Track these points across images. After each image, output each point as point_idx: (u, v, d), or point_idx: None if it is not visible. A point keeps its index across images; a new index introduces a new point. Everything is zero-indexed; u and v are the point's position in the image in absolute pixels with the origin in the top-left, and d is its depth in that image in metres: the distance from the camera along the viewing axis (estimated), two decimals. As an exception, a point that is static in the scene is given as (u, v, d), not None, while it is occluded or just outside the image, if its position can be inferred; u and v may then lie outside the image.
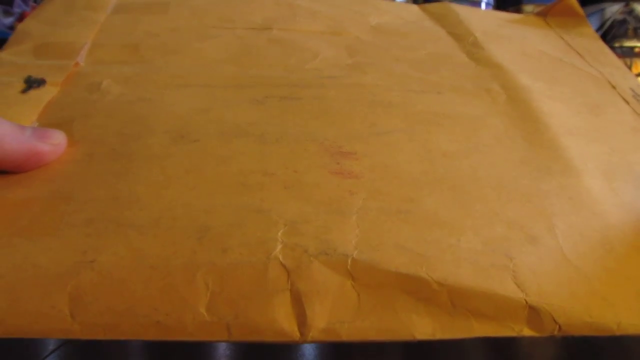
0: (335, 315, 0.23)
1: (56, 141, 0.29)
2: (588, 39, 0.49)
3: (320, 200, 0.26)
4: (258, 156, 0.28)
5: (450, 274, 0.24)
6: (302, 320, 0.22)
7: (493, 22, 0.49)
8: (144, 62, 0.37)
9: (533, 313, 0.23)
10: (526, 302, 0.23)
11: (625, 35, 1.64)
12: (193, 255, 0.23)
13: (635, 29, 1.62)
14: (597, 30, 1.62)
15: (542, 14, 0.52)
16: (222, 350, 0.39)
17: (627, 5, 1.62)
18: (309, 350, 0.39)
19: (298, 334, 0.22)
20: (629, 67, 1.59)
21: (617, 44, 1.60)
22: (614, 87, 0.40)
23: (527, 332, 0.23)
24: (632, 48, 1.58)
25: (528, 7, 1.61)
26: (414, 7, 0.50)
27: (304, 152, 0.29)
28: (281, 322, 0.22)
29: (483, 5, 1.56)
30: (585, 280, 0.25)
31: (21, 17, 0.83)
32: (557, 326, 0.23)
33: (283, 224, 0.24)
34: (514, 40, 0.46)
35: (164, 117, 0.31)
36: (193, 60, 0.37)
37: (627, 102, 0.39)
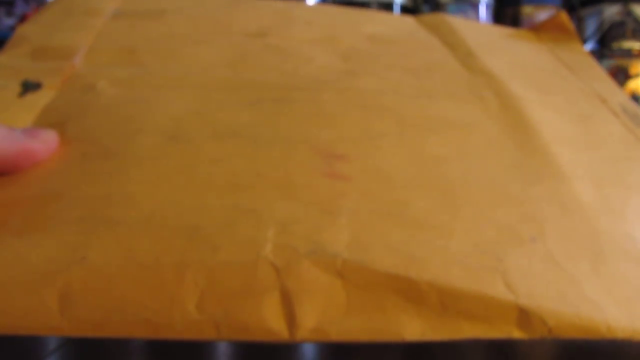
0: (324, 315, 0.23)
1: (47, 139, 0.29)
2: (578, 55, 0.49)
3: (311, 201, 0.26)
4: (250, 157, 0.28)
5: (440, 275, 0.24)
6: (291, 319, 0.22)
7: (487, 34, 0.50)
8: (139, 65, 0.37)
9: (523, 315, 0.23)
10: (516, 304, 0.23)
11: (623, 37, 1.65)
12: (183, 253, 0.23)
13: (633, 30, 1.62)
14: (596, 31, 1.62)
15: (534, 30, 0.53)
16: (223, 350, 0.39)
17: (625, 6, 1.62)
18: (309, 350, 0.39)
19: (287, 333, 0.22)
20: (627, 68, 1.59)
21: (615, 45, 1.61)
22: (603, 101, 0.41)
23: (517, 333, 0.23)
24: (630, 49, 1.59)
25: (527, 9, 1.61)
26: (409, 19, 0.51)
27: (296, 154, 0.29)
28: (270, 321, 0.22)
29: (483, 6, 1.56)
30: (575, 284, 0.25)
31: (23, 18, 0.83)
32: (547, 328, 0.23)
33: (273, 224, 0.24)
34: (506, 52, 0.47)
35: (157, 118, 0.31)
36: (188, 64, 0.37)
37: (617, 116, 0.39)
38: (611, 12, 1.62)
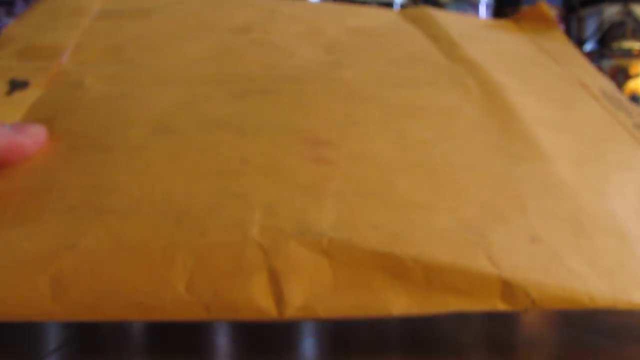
0: (312, 293, 0.23)
1: (35, 133, 0.29)
2: (559, 43, 0.51)
3: (296, 185, 0.27)
4: (237, 146, 0.29)
5: (425, 251, 0.24)
6: (279, 298, 0.23)
7: (469, 25, 0.51)
8: (126, 62, 0.38)
9: (506, 288, 0.24)
10: (499, 277, 0.24)
11: (623, 37, 1.65)
12: (172, 237, 0.24)
13: (633, 30, 1.62)
14: (596, 31, 1.62)
15: (515, 19, 0.54)
16: (223, 351, 0.39)
17: (625, 6, 1.62)
18: (309, 350, 0.39)
19: (275, 312, 0.23)
20: (627, 68, 1.59)
21: (615, 46, 1.61)
22: (583, 86, 0.42)
23: (501, 306, 0.24)
24: (630, 49, 1.59)
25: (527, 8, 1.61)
26: (392, 12, 0.53)
27: (282, 141, 0.30)
28: (259, 300, 0.23)
29: (483, 6, 1.56)
30: (557, 257, 0.26)
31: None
32: (531, 300, 0.24)
33: (260, 207, 0.25)
34: (488, 41, 0.47)
35: (145, 111, 0.32)
36: (174, 60, 0.38)
37: (597, 99, 0.40)
38: (611, 12, 1.62)
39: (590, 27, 1.61)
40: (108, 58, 0.38)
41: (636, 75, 1.57)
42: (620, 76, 1.54)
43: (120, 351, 0.39)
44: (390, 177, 0.28)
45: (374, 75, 0.37)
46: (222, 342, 0.41)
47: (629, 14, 1.62)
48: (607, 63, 1.56)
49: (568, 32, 1.60)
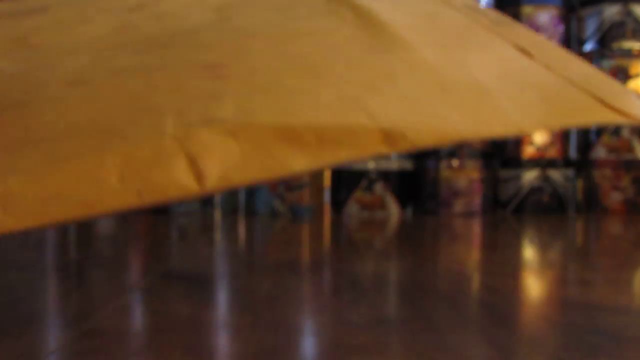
0: (225, 166, 0.27)
1: None
2: None
3: (199, 94, 0.31)
4: (145, 80, 0.33)
5: (314, 119, 0.29)
6: (199, 175, 0.27)
7: None
8: (34, 48, 0.41)
9: (386, 135, 0.29)
10: (379, 127, 0.29)
11: (623, 37, 1.65)
12: (100, 145, 0.28)
13: (633, 30, 1.62)
14: (596, 31, 1.62)
15: None
16: (223, 351, 0.39)
17: (625, 6, 1.62)
18: (309, 350, 0.39)
19: (197, 186, 0.27)
20: (627, 68, 1.59)
21: (615, 46, 1.61)
22: (446, 3, 0.47)
23: (384, 149, 0.29)
24: (630, 49, 1.59)
25: (527, 9, 1.61)
26: None
27: (183, 71, 0.34)
28: (182, 179, 0.27)
29: (482, 6, 1.56)
30: (426, 106, 0.32)
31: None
32: (409, 141, 0.29)
33: (171, 113, 0.29)
34: None
35: (58, 74, 0.36)
36: (79, 38, 0.42)
37: (459, 10, 0.46)
38: (611, 12, 1.61)
39: (590, 27, 1.61)
40: (16, 47, 0.41)
41: (636, 75, 1.56)
42: (620, 76, 1.54)
43: (120, 352, 0.39)
44: (278, 78, 0.33)
45: (258, 20, 0.42)
46: (222, 342, 0.41)
47: (629, 14, 1.61)
48: (607, 63, 1.56)
49: (568, 32, 1.60)
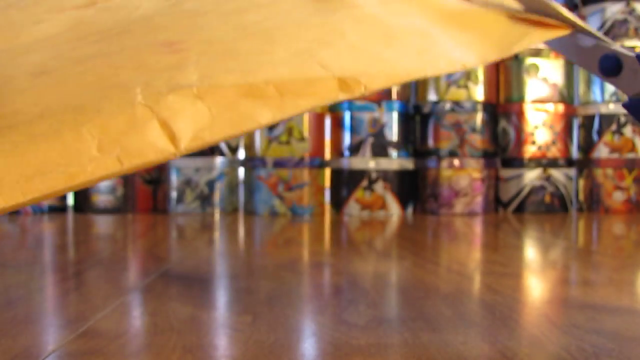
0: (196, 126, 0.30)
1: None
2: None
3: (163, 68, 0.33)
4: (108, 63, 0.35)
5: (273, 75, 0.32)
6: (172, 137, 0.29)
7: None
8: None
9: (342, 82, 0.32)
10: (334, 76, 0.32)
11: (626, 35, 1.65)
12: (75, 121, 0.29)
13: (636, 29, 1.62)
14: (598, 29, 1.61)
15: None
16: (223, 351, 0.39)
17: (628, 5, 1.62)
18: (309, 350, 0.39)
19: (173, 148, 0.29)
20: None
21: (617, 44, 1.60)
22: None
23: (342, 96, 0.32)
24: (632, 48, 1.58)
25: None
26: None
27: (144, 50, 0.36)
28: (157, 143, 0.29)
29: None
30: (375, 55, 0.35)
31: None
32: (363, 85, 0.32)
33: (139, 85, 0.31)
34: None
35: (23, 67, 0.37)
36: (34, 38, 0.44)
37: None
38: (614, 10, 1.61)
39: (593, 25, 1.61)
40: None
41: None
42: (622, 75, 1.53)
43: (120, 352, 0.38)
44: (234, 45, 0.36)
45: (209, 1, 0.45)
46: (222, 342, 0.41)
47: (631, 12, 1.61)
48: (609, 62, 1.55)
49: (570, 30, 1.59)
